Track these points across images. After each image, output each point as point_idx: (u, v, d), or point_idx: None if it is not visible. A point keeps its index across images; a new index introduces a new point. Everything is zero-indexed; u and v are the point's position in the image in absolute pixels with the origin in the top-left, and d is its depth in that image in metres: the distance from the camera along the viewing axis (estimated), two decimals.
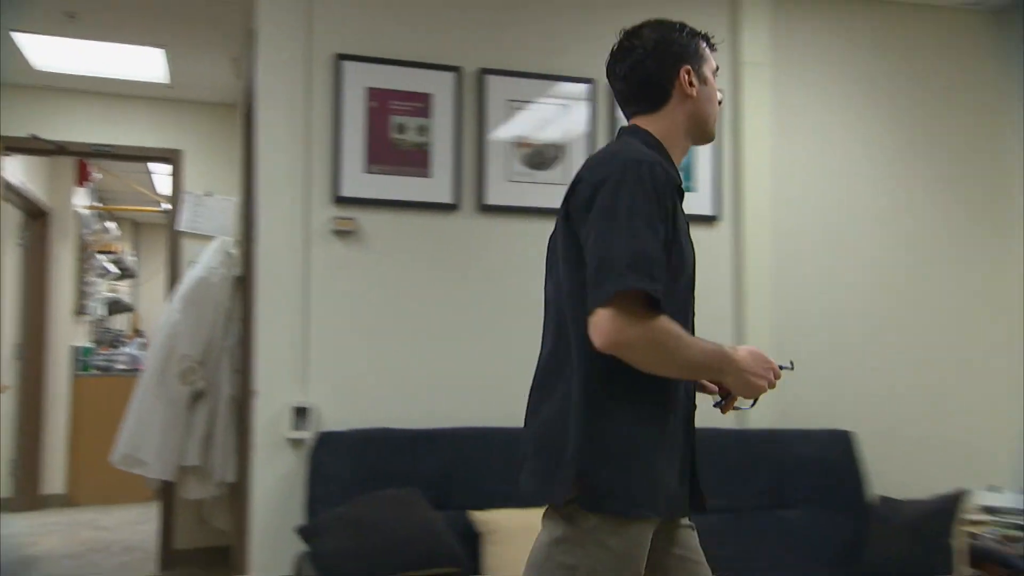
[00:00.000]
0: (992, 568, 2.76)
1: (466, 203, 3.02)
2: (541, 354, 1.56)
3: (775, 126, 3.31)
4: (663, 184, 1.43)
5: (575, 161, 3.10)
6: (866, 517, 2.97)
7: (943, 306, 3.47)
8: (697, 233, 3.17)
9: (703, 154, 3.23)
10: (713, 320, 3.23)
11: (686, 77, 1.58)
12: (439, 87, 3.00)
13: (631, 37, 1.60)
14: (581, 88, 3.14)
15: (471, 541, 2.54)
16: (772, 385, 1.51)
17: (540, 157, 3.10)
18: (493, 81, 3.06)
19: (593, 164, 1.50)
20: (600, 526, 1.37)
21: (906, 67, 3.51)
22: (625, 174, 1.41)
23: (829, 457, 3.10)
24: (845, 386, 3.32)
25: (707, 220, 3.24)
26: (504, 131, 3.06)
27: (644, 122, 1.59)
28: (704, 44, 1.63)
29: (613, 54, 1.62)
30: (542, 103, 3.11)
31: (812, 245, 3.36)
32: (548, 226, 1.61)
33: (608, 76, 1.65)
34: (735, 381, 1.48)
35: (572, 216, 1.47)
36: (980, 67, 3.59)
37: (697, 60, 1.61)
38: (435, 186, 2.98)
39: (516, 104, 3.08)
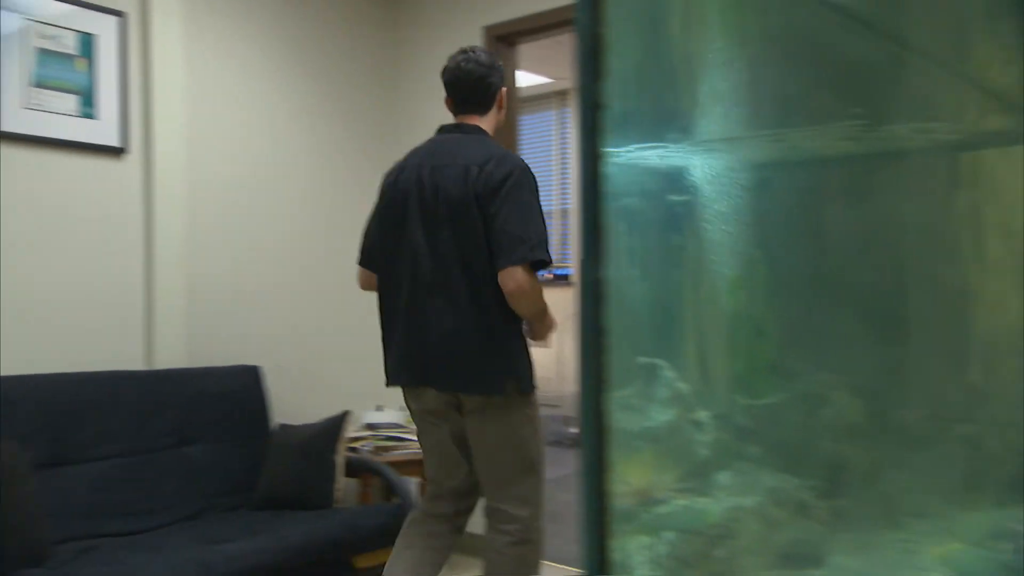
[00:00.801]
0: (367, 476, 3.21)
1: None
2: (434, 296, 2.15)
3: (188, 57, 3.22)
4: (537, 182, 2.16)
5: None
6: (266, 445, 3.16)
7: (343, 249, 3.72)
8: (102, 165, 3.03)
9: (106, 81, 2.99)
10: (123, 256, 3.06)
11: (502, 96, 2.29)
12: None
13: (474, 55, 2.23)
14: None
15: None
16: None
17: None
18: None
19: (494, 159, 2.11)
20: (527, 399, 2.22)
21: (312, 19, 3.73)
22: (523, 176, 2.11)
23: (236, 392, 3.20)
24: (253, 324, 3.45)
25: (113, 152, 3.03)
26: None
27: (477, 122, 2.25)
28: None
29: (460, 63, 2.23)
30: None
31: (225, 182, 3.37)
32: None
33: (451, 77, 2.23)
34: (540, 327, 2.24)
35: (481, 198, 2.09)
36: (378, 38, 3.99)
37: (506, 85, 2.31)
38: None
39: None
